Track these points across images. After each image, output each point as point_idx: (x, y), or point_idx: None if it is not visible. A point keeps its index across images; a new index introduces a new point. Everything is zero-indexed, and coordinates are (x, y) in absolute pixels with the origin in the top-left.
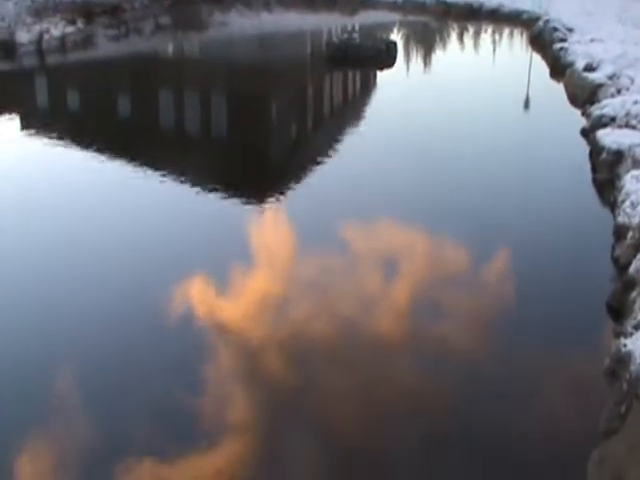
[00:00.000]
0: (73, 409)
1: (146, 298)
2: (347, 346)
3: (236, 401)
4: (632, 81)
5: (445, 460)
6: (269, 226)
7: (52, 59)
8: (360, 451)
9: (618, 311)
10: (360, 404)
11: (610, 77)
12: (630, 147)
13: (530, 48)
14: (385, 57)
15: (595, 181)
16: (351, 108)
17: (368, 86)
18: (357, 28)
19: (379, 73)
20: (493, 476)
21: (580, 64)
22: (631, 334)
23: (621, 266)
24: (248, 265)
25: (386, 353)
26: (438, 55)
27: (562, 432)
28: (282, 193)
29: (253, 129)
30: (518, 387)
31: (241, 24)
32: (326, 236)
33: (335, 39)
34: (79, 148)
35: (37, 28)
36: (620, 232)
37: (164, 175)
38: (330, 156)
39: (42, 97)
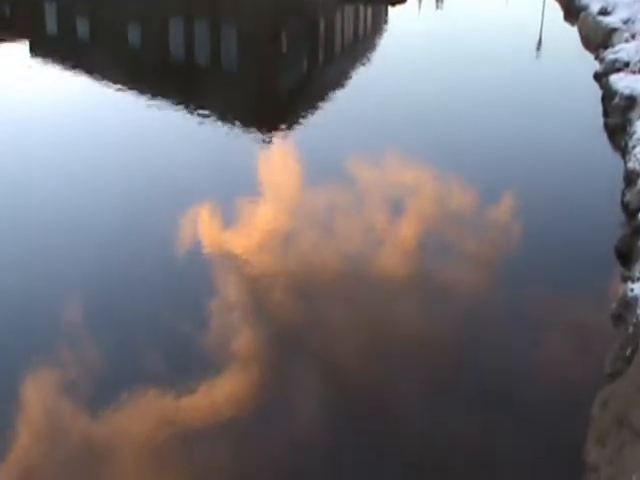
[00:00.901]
0: (84, 327)
1: (155, 226)
2: (354, 273)
3: (243, 327)
4: None
5: (453, 396)
6: (277, 156)
7: None
8: (365, 381)
9: (626, 256)
10: (368, 335)
11: (625, 22)
12: None
13: None
14: None
15: (606, 126)
16: (362, 43)
17: (379, 22)
18: None
19: (390, 9)
20: (493, 414)
21: (595, 7)
22: (638, 279)
23: (631, 212)
24: (255, 193)
25: (393, 285)
26: None
27: (568, 373)
28: (291, 125)
29: (264, 62)
30: (525, 328)
31: None
32: (333, 167)
33: None
34: (88, 76)
35: None
36: (630, 178)
37: (174, 104)
38: (340, 90)
39: (51, 24)
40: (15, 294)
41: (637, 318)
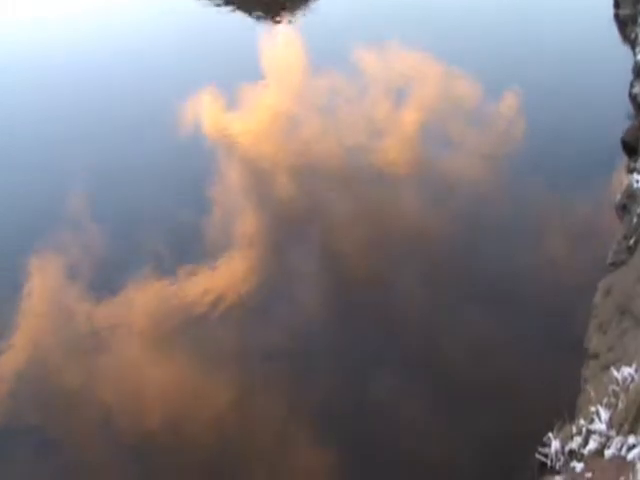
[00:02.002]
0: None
1: (163, 106)
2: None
3: (247, 213)
4: None
5: (457, 283)
6: (282, 41)
7: None
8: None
9: (632, 148)
10: (370, 221)
11: None
12: None
13: None
14: None
15: (617, 17)
16: None
17: None
18: None
19: None
20: (496, 301)
21: None
22: None
23: (638, 104)
24: (260, 77)
25: (396, 172)
26: None
27: (571, 263)
28: (296, 10)
29: None
30: (530, 218)
31: None
32: (337, 53)
33: None
34: None
35: None
36: (639, 70)
37: None
38: None
39: None
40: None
41: None
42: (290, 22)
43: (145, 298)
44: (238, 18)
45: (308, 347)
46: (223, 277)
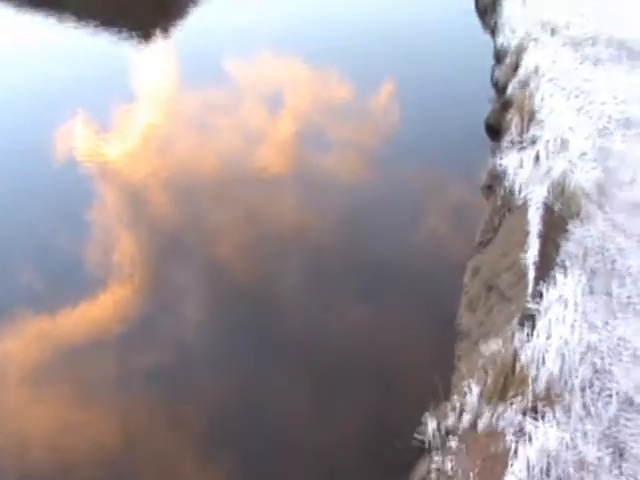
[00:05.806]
0: None
1: (30, 133)
2: (234, 175)
3: (126, 234)
4: None
5: (340, 267)
6: (154, 61)
7: None
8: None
9: (496, 130)
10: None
11: None
12: None
13: None
14: None
15: (477, 6)
16: None
17: None
18: None
19: None
20: (378, 284)
21: None
22: (506, 151)
23: (500, 88)
24: (133, 101)
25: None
26: None
27: (443, 246)
28: (167, 28)
29: None
30: (401, 206)
31: None
32: (212, 71)
33: None
34: None
35: None
36: (499, 55)
37: (45, 10)
38: None
39: None
40: None
41: (505, 189)
42: (161, 38)
43: (21, 334)
44: (102, 36)
45: (193, 362)
46: (104, 303)
